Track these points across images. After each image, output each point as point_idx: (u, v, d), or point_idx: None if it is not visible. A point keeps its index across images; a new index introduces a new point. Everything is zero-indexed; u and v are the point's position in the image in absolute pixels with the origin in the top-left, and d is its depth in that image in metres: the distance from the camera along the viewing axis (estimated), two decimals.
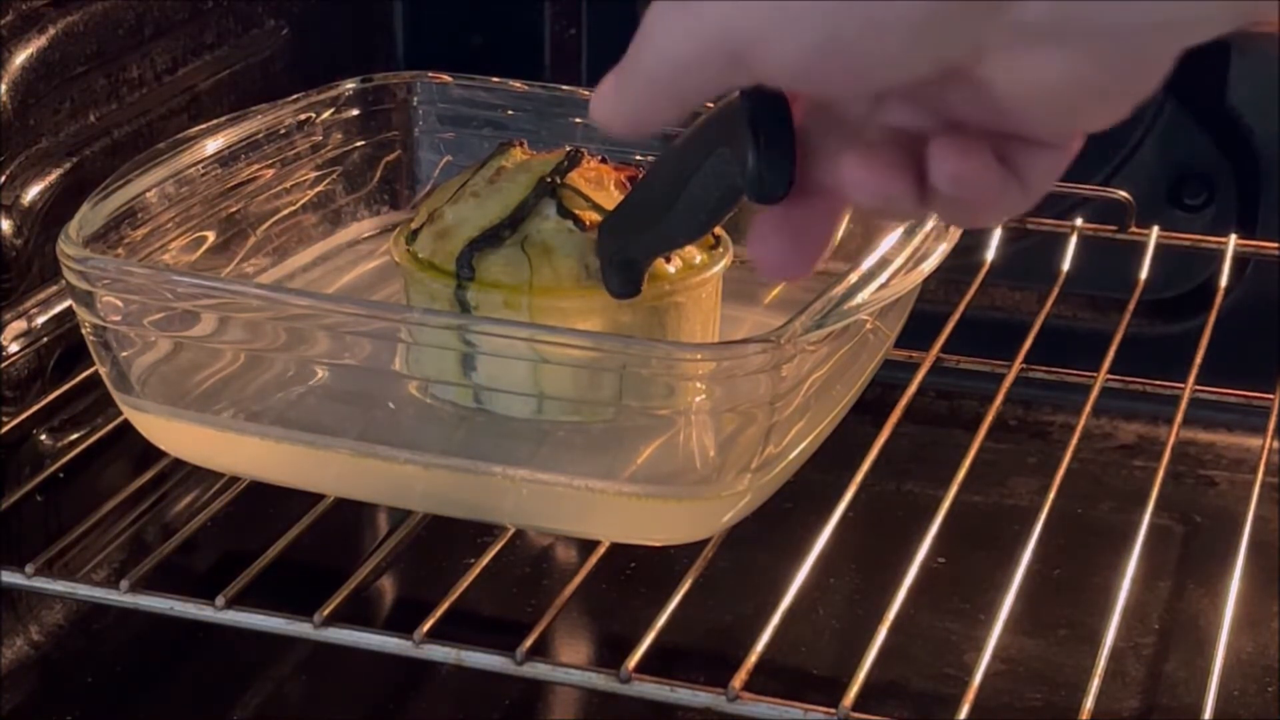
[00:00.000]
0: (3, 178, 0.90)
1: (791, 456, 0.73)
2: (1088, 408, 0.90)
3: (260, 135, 0.87)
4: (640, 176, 0.78)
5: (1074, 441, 0.87)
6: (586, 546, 0.84)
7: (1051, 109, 0.49)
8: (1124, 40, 0.46)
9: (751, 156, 0.52)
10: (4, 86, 0.90)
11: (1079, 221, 1.06)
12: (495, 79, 0.94)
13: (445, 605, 0.73)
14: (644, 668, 0.70)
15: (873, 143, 0.51)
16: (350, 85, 0.92)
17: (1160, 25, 0.46)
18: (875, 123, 0.52)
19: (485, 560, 0.78)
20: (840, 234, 0.55)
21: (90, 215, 0.77)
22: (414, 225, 0.79)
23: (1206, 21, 0.46)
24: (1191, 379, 0.93)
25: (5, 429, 0.87)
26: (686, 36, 0.49)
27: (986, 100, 0.49)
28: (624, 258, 0.68)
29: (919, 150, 0.50)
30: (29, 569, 0.75)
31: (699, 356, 0.70)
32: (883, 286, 0.73)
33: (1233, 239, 1.04)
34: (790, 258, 0.54)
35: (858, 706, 0.68)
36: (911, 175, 0.50)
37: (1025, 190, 0.51)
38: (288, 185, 0.88)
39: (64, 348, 0.92)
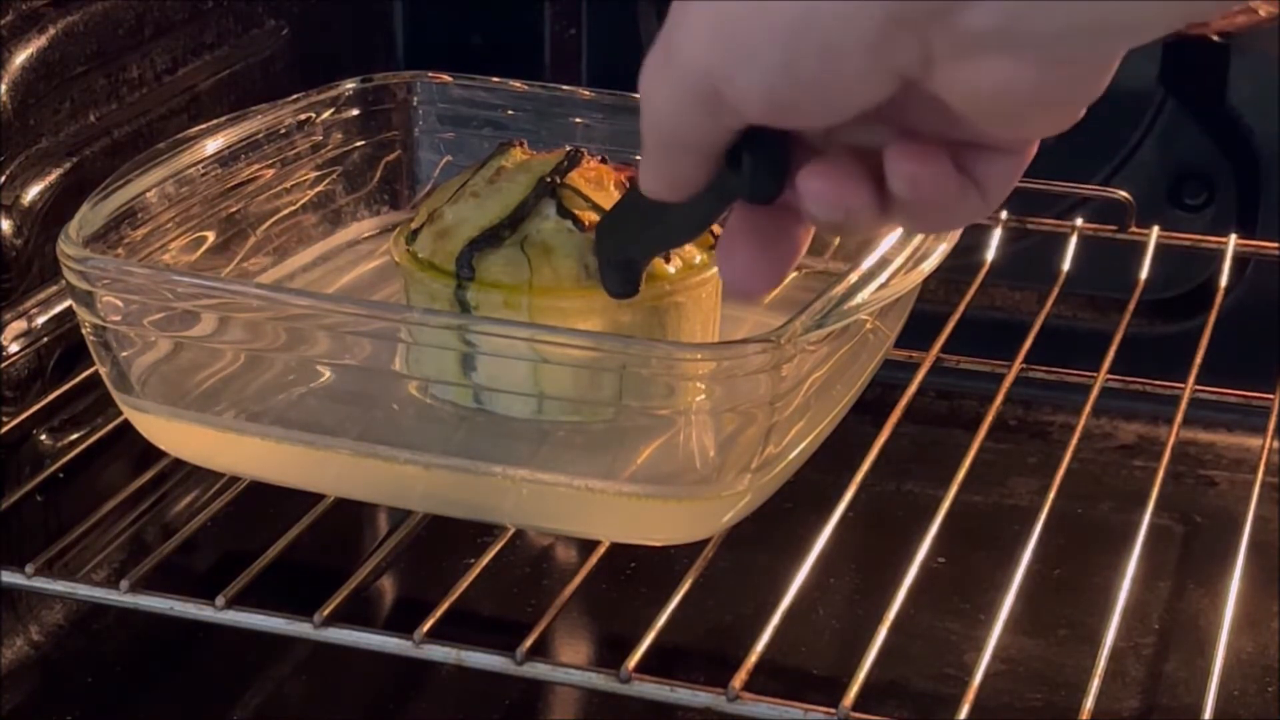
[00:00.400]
0: (3, 178, 0.90)
1: (791, 456, 0.73)
2: (1088, 408, 0.90)
3: (260, 135, 0.87)
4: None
5: (1074, 441, 0.87)
6: (586, 546, 0.84)
7: (1001, 116, 0.49)
8: (1067, 45, 0.47)
9: (745, 156, 0.52)
10: (4, 86, 0.91)
11: (1079, 221, 1.06)
12: (495, 79, 0.94)
13: (445, 605, 0.73)
14: (644, 668, 0.70)
15: (831, 158, 0.52)
16: (350, 85, 0.92)
17: (1102, 29, 0.46)
18: (833, 142, 0.52)
19: (485, 560, 0.78)
20: (806, 248, 0.56)
21: (90, 215, 0.77)
22: (414, 225, 0.79)
23: (1148, 25, 0.46)
24: (1191, 379, 0.93)
25: (5, 429, 0.87)
26: (671, 90, 0.51)
27: (940, 111, 0.49)
28: (622, 258, 0.68)
29: (876, 164, 0.51)
30: (29, 569, 0.75)
31: (699, 356, 0.70)
32: (883, 286, 0.73)
33: (1233, 239, 1.04)
34: (756, 272, 0.55)
35: (858, 706, 0.68)
36: (870, 186, 0.51)
37: (984, 196, 0.51)
38: (288, 185, 0.88)
39: (64, 348, 0.92)
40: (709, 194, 0.55)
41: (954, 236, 0.78)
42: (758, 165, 0.52)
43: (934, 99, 0.49)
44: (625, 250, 0.67)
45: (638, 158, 0.86)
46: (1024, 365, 0.95)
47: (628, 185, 0.77)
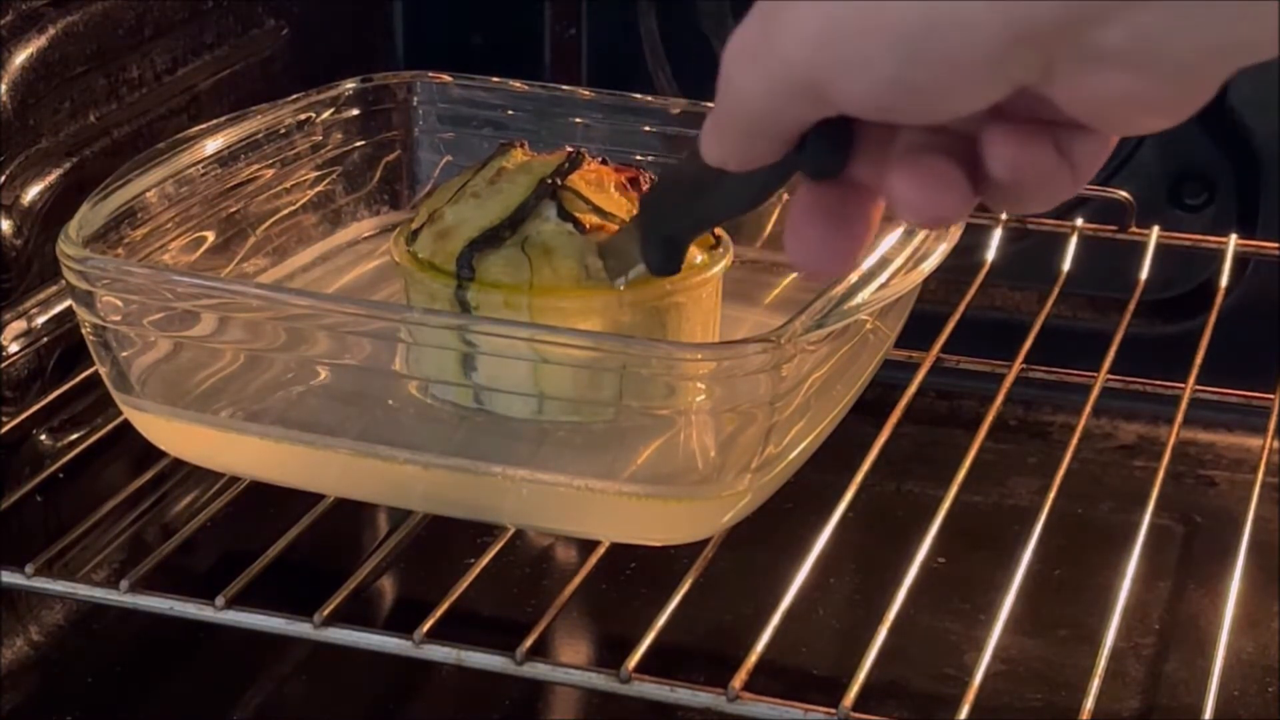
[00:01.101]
0: (3, 178, 0.90)
1: (791, 456, 0.73)
2: (1088, 408, 0.90)
3: (260, 135, 0.87)
4: (647, 176, 0.78)
5: (1074, 441, 0.87)
6: (586, 546, 0.84)
7: (1116, 120, 0.48)
8: (1193, 63, 0.46)
9: (809, 132, 0.51)
10: (4, 86, 0.90)
11: (1079, 221, 1.06)
12: (495, 79, 0.94)
13: (445, 605, 0.73)
14: (644, 668, 0.70)
15: (916, 147, 0.50)
16: (350, 85, 0.92)
17: (1232, 48, 0.46)
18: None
19: (485, 560, 0.78)
20: (878, 225, 0.53)
21: (90, 215, 0.77)
22: (414, 225, 0.79)
23: (1272, 42, 0.46)
24: (1191, 379, 0.93)
25: (5, 429, 0.87)
26: (767, 83, 0.49)
27: (1041, 105, 0.48)
28: (664, 234, 0.66)
29: (963, 148, 0.50)
30: (29, 569, 0.75)
31: (699, 356, 0.70)
32: (883, 286, 0.73)
33: (1233, 239, 1.04)
34: (830, 252, 0.53)
35: (858, 706, 0.68)
36: (961, 180, 0.50)
37: (1075, 174, 0.50)
38: (288, 185, 0.88)
39: (64, 348, 0.92)
40: (768, 168, 0.53)
41: (954, 236, 0.78)
42: (821, 141, 0.51)
43: (1037, 98, 0.48)
44: (670, 224, 0.65)
45: (638, 157, 0.87)
46: (1024, 365, 0.95)
47: (630, 187, 0.77)
